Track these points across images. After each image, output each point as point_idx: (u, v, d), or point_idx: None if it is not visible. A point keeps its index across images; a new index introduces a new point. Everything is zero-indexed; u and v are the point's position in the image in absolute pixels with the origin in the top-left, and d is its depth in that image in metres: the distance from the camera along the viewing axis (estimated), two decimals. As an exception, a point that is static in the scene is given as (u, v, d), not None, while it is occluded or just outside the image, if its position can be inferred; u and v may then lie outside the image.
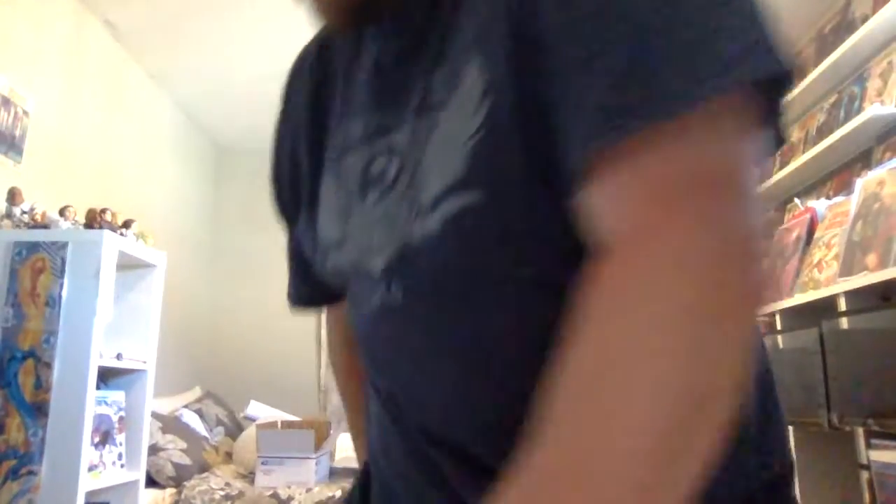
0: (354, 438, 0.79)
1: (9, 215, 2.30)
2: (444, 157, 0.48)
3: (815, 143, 2.85)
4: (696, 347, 0.35)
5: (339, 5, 0.53)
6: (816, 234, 2.06)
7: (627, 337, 0.36)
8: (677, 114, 0.38)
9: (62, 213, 2.38)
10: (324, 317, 0.83)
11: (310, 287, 0.70)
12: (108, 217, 2.48)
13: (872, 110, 2.39)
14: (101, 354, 2.19)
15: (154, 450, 2.74)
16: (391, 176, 0.52)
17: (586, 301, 0.38)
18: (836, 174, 2.87)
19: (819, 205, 2.14)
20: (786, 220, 2.45)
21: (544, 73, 0.43)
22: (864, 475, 1.79)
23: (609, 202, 0.40)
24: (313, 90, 0.64)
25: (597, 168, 0.40)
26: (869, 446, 1.57)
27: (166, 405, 3.29)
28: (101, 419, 2.27)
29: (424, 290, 0.50)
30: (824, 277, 1.90)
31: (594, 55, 0.40)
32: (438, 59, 0.51)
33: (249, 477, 2.96)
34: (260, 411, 3.64)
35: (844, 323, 1.69)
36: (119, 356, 2.39)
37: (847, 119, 2.64)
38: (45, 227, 2.30)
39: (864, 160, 2.64)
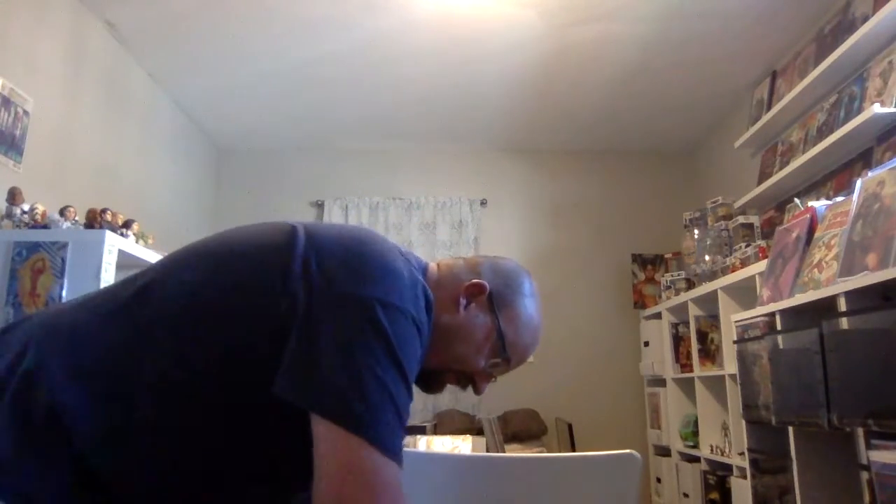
0: None
1: (9, 215, 2.30)
2: None
3: (815, 143, 2.85)
4: None
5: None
6: (816, 234, 2.06)
7: None
8: None
9: (62, 213, 2.38)
10: None
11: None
12: (108, 217, 2.48)
13: (872, 110, 2.39)
14: (101, 354, 2.18)
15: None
16: None
17: None
18: (836, 174, 2.87)
19: (819, 205, 2.14)
20: (786, 220, 2.45)
21: None
22: (864, 475, 1.79)
23: None
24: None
25: None
26: (869, 446, 1.56)
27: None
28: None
29: None
30: (824, 277, 1.90)
31: None
32: None
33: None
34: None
35: (844, 323, 1.69)
36: (119, 356, 2.38)
37: (847, 119, 2.64)
38: (45, 227, 2.30)
39: (864, 160, 2.64)
